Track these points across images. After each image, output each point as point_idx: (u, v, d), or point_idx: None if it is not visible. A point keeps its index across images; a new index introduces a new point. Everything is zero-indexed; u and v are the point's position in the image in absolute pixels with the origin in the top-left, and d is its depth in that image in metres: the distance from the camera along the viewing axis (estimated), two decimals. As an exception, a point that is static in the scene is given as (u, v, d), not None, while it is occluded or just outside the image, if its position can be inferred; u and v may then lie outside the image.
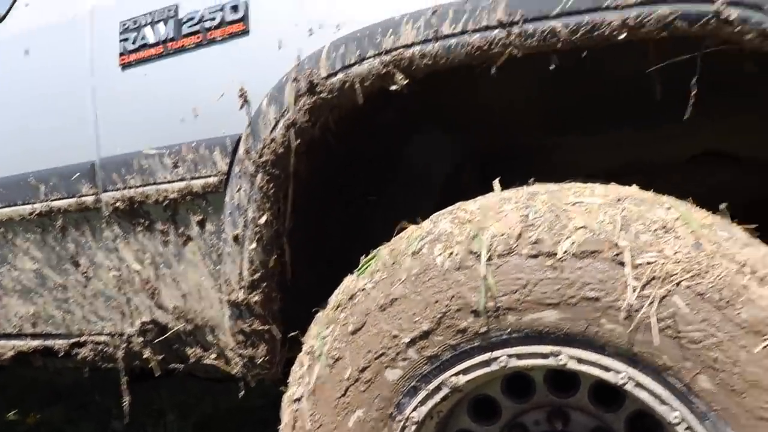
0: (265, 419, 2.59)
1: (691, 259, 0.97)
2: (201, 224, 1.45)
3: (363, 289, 1.17)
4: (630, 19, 1.06)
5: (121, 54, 1.53)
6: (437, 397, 1.12)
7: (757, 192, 1.66)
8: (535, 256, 1.03)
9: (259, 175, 1.33)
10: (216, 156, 1.40)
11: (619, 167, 1.64)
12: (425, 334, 1.10)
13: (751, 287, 0.94)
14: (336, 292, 1.23)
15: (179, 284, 1.50)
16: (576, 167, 1.55)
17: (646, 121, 1.46)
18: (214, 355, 1.52)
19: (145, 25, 1.50)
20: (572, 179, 1.17)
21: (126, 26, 1.53)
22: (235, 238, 1.38)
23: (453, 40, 1.16)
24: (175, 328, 1.53)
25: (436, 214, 1.18)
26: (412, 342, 1.11)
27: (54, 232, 1.65)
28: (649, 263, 0.98)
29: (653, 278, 0.97)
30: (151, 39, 1.49)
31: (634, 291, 0.98)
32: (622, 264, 0.99)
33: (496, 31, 1.13)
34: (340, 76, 1.24)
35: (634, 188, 1.12)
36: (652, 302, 0.97)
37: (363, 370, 1.15)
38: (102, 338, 1.65)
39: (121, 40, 1.53)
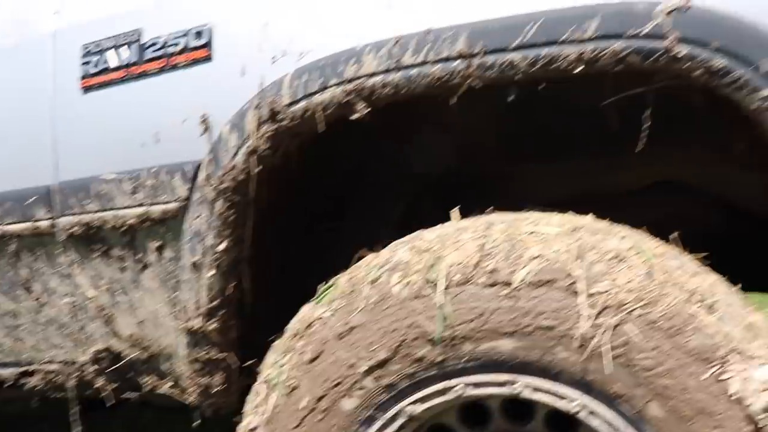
0: (222, 449, 2.53)
1: (643, 288, 0.99)
2: (159, 250, 1.43)
3: (321, 318, 1.16)
4: (586, 54, 1.09)
5: (83, 77, 1.52)
6: (394, 426, 1.11)
7: (708, 219, 1.71)
8: (492, 285, 1.04)
9: (219, 202, 1.33)
10: (176, 182, 1.39)
11: (578, 195, 1.67)
12: (382, 363, 1.10)
13: (699, 315, 0.96)
14: (294, 320, 1.22)
15: (135, 311, 1.48)
16: (536, 195, 1.58)
17: (603, 151, 1.49)
18: (169, 384, 1.50)
19: (108, 49, 1.50)
20: (531, 207, 1.19)
21: (88, 50, 1.52)
22: (194, 265, 1.37)
23: (414, 71, 1.18)
24: (130, 356, 1.50)
25: (394, 242, 1.18)
26: (369, 371, 1.10)
27: (6, 257, 1.61)
28: (602, 292, 0.99)
29: (606, 307, 0.99)
30: (113, 63, 1.49)
31: (587, 320, 0.99)
32: (576, 293, 1.00)
33: (457, 62, 1.15)
34: (302, 104, 1.25)
35: (590, 218, 1.14)
36: (605, 331, 0.98)
37: (320, 399, 1.14)
38: (53, 367, 1.61)
39: (83, 64, 1.52)
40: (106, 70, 1.49)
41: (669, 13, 1.04)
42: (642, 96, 1.12)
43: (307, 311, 1.21)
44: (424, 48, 1.17)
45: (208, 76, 1.37)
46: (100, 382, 1.56)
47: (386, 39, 1.20)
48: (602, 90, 1.14)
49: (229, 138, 1.32)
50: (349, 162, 1.58)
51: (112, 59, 1.49)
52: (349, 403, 1.12)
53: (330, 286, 1.20)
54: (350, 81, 1.21)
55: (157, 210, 1.41)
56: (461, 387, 1.07)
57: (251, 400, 1.23)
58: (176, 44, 1.41)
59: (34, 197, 1.55)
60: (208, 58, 1.38)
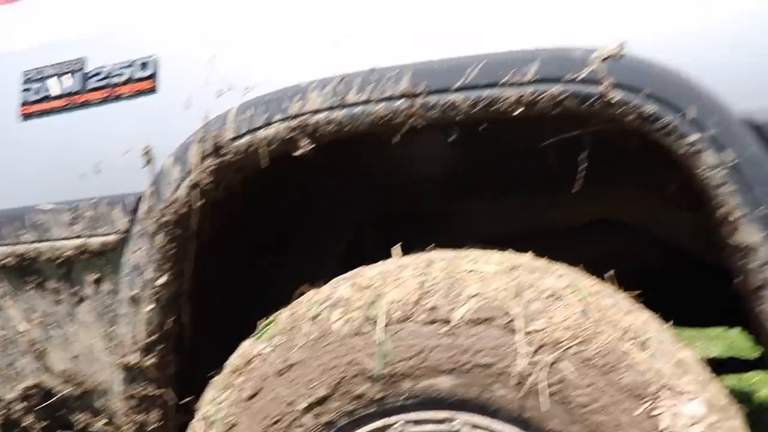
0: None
1: (579, 326, 1.01)
2: (97, 283, 1.39)
3: (260, 354, 1.15)
4: (525, 96, 1.12)
5: (23, 104, 1.48)
6: (333, 465, 1.10)
7: (644, 257, 1.76)
8: (431, 323, 1.05)
9: (160, 235, 1.30)
10: (116, 214, 1.36)
11: (519, 232, 1.70)
12: (322, 400, 1.09)
13: (631, 353, 0.99)
14: (233, 356, 1.21)
15: (70, 346, 1.43)
16: (477, 231, 1.60)
17: (542, 189, 1.53)
18: (103, 422, 1.44)
19: (50, 77, 1.47)
20: (472, 245, 1.21)
21: (29, 76, 1.49)
22: (132, 299, 1.34)
23: (358, 109, 1.19)
24: (63, 393, 1.45)
25: (336, 279, 1.18)
26: (309, 408, 1.09)
27: (-67, 289, 1.54)
28: (539, 330, 1.01)
29: (543, 345, 1.01)
30: (55, 91, 1.46)
31: (525, 357, 1.00)
32: (513, 331, 1.02)
33: (400, 101, 1.17)
34: (246, 138, 1.25)
35: (528, 256, 1.17)
36: (542, 368, 1.00)
37: (258, 437, 1.12)
38: (-24, 405, 1.54)
39: (23, 90, 1.48)
40: (47, 98, 1.46)
41: (604, 59, 1.08)
42: (579, 138, 1.15)
43: (247, 347, 1.19)
44: (368, 86, 1.19)
45: (153, 107, 1.36)
46: (28, 420, 1.50)
47: (331, 76, 1.21)
48: (542, 131, 1.17)
49: (172, 171, 1.30)
50: (292, 197, 1.58)
51: (54, 87, 1.46)
52: (288, 442, 1.11)
53: (270, 322, 1.19)
54: (294, 117, 1.22)
55: (95, 242, 1.38)
56: (401, 424, 1.07)
57: (188, 439, 1.21)
58: (121, 74, 1.39)
59: (-34, 227, 1.50)
60: (152, 90, 1.36)
